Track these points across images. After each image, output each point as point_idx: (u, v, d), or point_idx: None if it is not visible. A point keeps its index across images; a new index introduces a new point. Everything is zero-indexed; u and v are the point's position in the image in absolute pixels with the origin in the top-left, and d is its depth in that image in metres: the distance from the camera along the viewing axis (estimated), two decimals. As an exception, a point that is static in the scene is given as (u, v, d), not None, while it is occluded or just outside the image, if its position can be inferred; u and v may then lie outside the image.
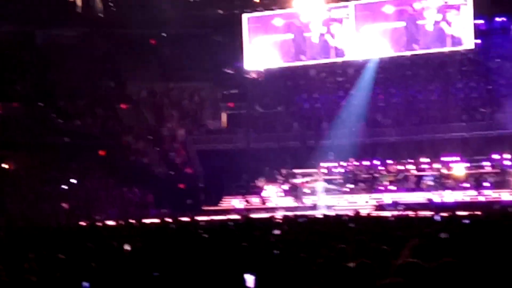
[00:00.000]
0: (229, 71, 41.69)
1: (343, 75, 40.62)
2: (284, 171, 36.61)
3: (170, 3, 40.44)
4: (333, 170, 36.98)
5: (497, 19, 36.27)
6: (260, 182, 36.14)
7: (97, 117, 41.81)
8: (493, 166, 34.59)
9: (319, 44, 38.07)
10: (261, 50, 39.47)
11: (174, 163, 41.21)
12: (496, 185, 33.56)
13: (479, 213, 19.35)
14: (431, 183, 33.43)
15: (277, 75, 40.50)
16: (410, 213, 22.76)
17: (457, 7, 35.37)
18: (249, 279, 7.91)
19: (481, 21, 35.73)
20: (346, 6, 37.62)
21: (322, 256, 8.69)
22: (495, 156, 34.98)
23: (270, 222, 19.35)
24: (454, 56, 37.38)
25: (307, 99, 42.28)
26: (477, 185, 33.30)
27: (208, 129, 44.14)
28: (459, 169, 34.84)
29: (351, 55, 37.94)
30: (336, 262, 7.93)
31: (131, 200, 37.52)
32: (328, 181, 34.82)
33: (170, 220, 21.71)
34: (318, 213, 26.82)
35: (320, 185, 33.53)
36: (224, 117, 44.45)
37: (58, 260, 9.18)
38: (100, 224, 21.25)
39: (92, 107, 41.95)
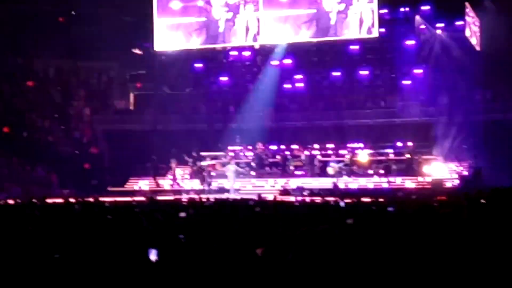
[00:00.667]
0: (137, 51, 41.27)
1: (251, 59, 40.75)
2: (191, 154, 36.55)
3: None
4: (240, 154, 37.23)
5: (401, 9, 37.12)
6: (170, 164, 36.01)
7: (3, 93, 40.79)
8: (396, 154, 35.51)
9: (228, 27, 37.90)
10: (171, 32, 39.09)
11: (80, 142, 40.63)
12: (400, 172, 34.48)
13: (382, 200, 19.79)
14: (337, 169, 34.00)
15: (185, 57, 40.26)
16: (315, 198, 23.10)
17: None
18: (153, 252, 8.02)
19: (385, 11, 36.46)
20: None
21: (228, 241, 8.76)
22: (399, 144, 35.96)
23: (176, 205, 19.33)
24: (360, 44, 38.04)
25: (215, 82, 42.33)
26: (381, 172, 34.06)
27: (115, 109, 43.70)
28: (364, 155, 35.60)
29: (260, 39, 37.91)
30: (242, 248, 7.99)
31: (34, 179, 36.81)
32: (235, 165, 35.02)
33: (73, 200, 21.41)
34: (225, 197, 26.99)
35: (227, 169, 33.67)
36: (131, 97, 44.07)
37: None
38: (1, 203, 20.79)
39: (-3, 83, 40.94)
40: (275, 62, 39.48)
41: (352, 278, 5.32)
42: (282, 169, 36.02)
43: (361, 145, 36.38)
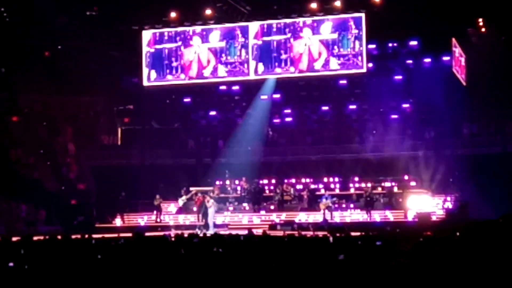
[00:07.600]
0: (125, 86, 41.09)
1: (240, 93, 40.52)
2: (180, 189, 36.20)
3: (67, 16, 39.61)
4: (228, 188, 37.03)
5: (389, 44, 37.21)
6: (155, 200, 35.61)
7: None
8: (382, 188, 35.49)
9: (216, 62, 37.57)
10: (159, 67, 38.73)
11: (66, 178, 40.29)
12: (386, 206, 34.44)
13: (371, 233, 19.65)
14: (327, 203, 33.64)
15: (173, 92, 40.09)
16: (305, 233, 22.98)
17: (350, 32, 35.93)
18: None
19: (373, 46, 36.48)
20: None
21: (224, 278, 8.64)
22: (385, 178, 35.95)
23: (163, 241, 19.07)
24: (348, 79, 37.98)
25: (203, 116, 42.12)
26: (368, 206, 33.92)
27: (102, 145, 43.43)
28: (351, 189, 35.55)
29: (250, 74, 37.37)
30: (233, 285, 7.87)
31: (19, 216, 36.33)
32: (223, 199, 34.84)
33: (59, 237, 21.07)
34: (212, 232, 26.77)
35: (215, 204, 33.37)
36: (119, 132, 43.86)
37: None
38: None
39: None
40: (264, 97, 38.94)
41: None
42: (270, 204, 35.80)
43: (349, 179, 36.41)
